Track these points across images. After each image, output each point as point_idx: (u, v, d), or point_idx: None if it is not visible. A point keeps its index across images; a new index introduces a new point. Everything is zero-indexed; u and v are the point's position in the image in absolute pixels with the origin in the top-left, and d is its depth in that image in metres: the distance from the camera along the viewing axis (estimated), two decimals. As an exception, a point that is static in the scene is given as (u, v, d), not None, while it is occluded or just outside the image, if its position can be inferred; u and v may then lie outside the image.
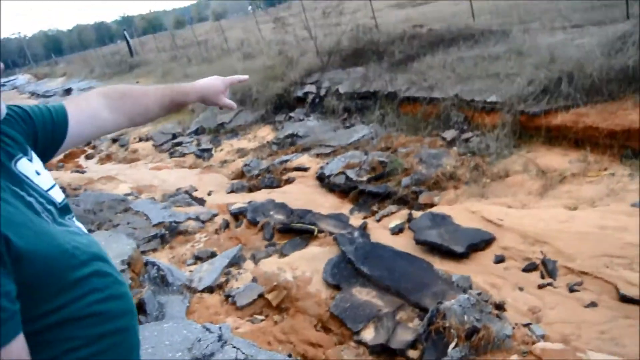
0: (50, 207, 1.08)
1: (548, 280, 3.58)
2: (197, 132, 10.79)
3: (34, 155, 1.15)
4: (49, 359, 0.99)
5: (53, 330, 0.99)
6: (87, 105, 1.35)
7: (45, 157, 1.21)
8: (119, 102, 1.40)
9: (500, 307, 3.43)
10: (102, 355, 1.08)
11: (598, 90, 5.66)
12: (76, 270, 1.02)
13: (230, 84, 1.57)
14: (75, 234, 1.10)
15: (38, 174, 1.12)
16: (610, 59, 5.83)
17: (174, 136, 11.02)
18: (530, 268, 3.76)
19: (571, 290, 3.40)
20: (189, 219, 5.79)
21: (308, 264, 4.43)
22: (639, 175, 4.61)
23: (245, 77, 1.69)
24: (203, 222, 5.80)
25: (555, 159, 5.45)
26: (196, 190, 7.12)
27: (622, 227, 3.74)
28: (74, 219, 1.18)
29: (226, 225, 5.73)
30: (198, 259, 5.03)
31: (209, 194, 7.01)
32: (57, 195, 1.14)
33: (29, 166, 1.11)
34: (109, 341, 1.10)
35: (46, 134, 1.23)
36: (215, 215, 5.94)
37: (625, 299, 3.13)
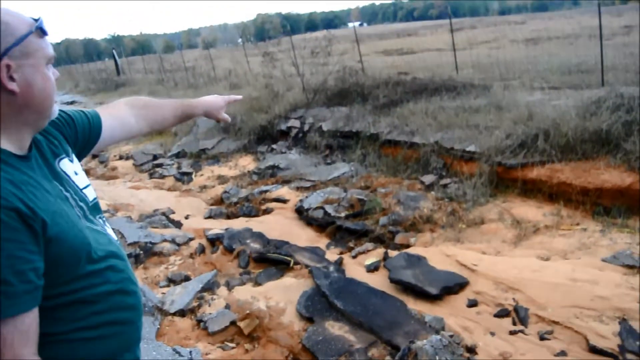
0: (82, 204, 1.23)
1: (519, 327, 3.64)
2: (178, 155, 10.75)
3: (74, 157, 1.32)
4: (57, 333, 1.09)
5: (65, 309, 1.10)
6: (117, 112, 1.56)
7: (80, 157, 1.39)
8: (143, 111, 1.62)
9: (471, 350, 3.47)
10: (105, 340, 1.18)
11: (572, 149, 5.89)
12: (93, 263, 1.15)
13: (229, 102, 1.86)
14: (98, 233, 1.23)
15: (76, 174, 1.28)
16: (585, 121, 6.08)
17: (155, 157, 10.95)
18: (502, 314, 3.82)
19: (542, 338, 3.46)
20: (165, 240, 5.73)
21: (282, 295, 4.42)
22: (609, 232, 4.78)
23: (240, 97, 2.00)
24: (179, 245, 5.74)
25: (529, 210, 5.61)
26: (173, 212, 7.05)
27: (593, 280, 3.85)
28: (103, 218, 1.33)
29: (202, 249, 5.68)
30: (171, 281, 4.97)
31: (187, 217, 6.96)
32: (90, 194, 1.30)
33: (70, 166, 1.27)
34: (113, 329, 1.20)
35: (84, 137, 1.43)
36: (191, 239, 5.88)
37: (594, 350, 3.20)
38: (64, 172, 1.23)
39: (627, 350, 3.12)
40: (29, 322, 0.98)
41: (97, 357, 1.17)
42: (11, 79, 1.03)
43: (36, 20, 1.10)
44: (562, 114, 6.42)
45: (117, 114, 1.55)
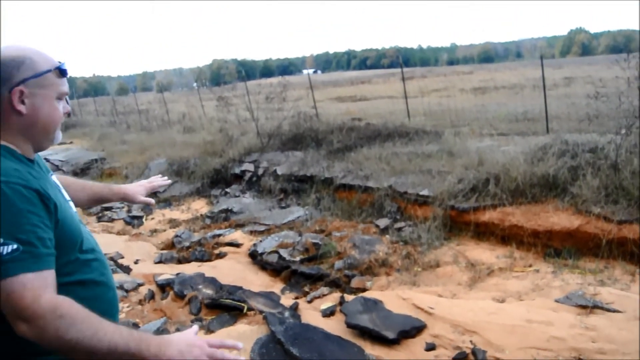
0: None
1: (478, 369, 3.60)
2: (128, 198, 10.45)
3: None
4: None
5: (59, 291, 1.23)
6: None
7: None
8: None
9: (431, 395, 3.40)
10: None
11: (522, 193, 6.05)
12: (83, 253, 1.41)
13: (151, 189, 2.01)
14: (87, 231, 1.53)
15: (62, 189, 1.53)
16: (533, 166, 6.29)
17: (104, 201, 10.61)
18: (460, 357, 3.77)
19: (500, 380, 3.43)
20: (111, 286, 5.47)
21: (235, 342, 4.25)
22: (561, 273, 4.86)
23: (168, 182, 2.13)
24: (127, 291, 5.48)
25: (483, 253, 5.67)
26: (122, 257, 6.77)
27: (548, 321, 3.87)
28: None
29: (151, 296, 5.44)
30: (117, 330, 4.71)
31: (136, 262, 6.69)
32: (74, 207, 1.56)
33: (58, 182, 1.54)
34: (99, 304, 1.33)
35: None
36: (140, 284, 5.64)
37: (552, 391, 3.19)
38: (56, 183, 1.49)
39: (584, 392, 3.12)
40: (50, 277, 1.21)
41: None
42: (22, 102, 1.30)
43: (60, 62, 1.39)
44: (511, 160, 6.62)
45: None
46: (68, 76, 1.42)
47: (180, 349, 1.22)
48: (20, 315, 1.13)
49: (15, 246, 1.14)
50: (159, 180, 2.06)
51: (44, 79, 1.33)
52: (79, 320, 1.17)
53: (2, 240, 1.14)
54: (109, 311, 1.40)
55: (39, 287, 1.16)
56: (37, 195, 1.22)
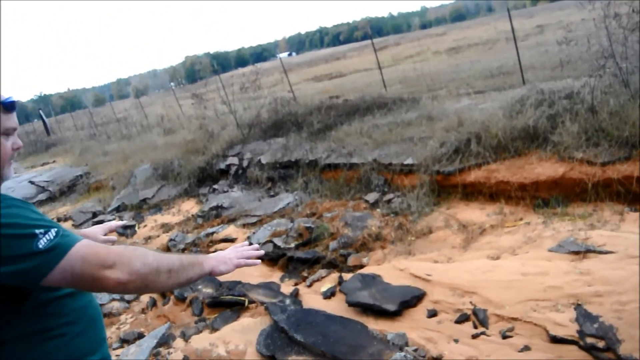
0: None
1: (481, 329, 3.63)
2: (118, 209, 10.37)
3: None
4: (50, 328, 1.31)
5: (55, 303, 1.32)
6: None
7: None
8: None
9: (437, 360, 3.44)
10: (87, 333, 1.41)
11: (504, 148, 6.06)
12: None
13: (109, 229, 2.02)
14: None
15: None
16: (512, 120, 6.29)
17: (95, 214, 10.50)
18: (462, 319, 3.81)
19: (504, 336, 3.46)
20: (113, 299, 5.48)
21: (241, 337, 4.28)
22: (551, 222, 4.90)
23: (122, 222, 2.26)
24: (128, 302, 5.50)
25: (473, 213, 5.70)
26: (119, 269, 6.76)
27: (543, 271, 3.91)
28: None
29: (153, 303, 5.46)
30: (125, 341, 4.73)
31: (133, 272, 6.68)
32: None
33: None
34: (91, 324, 1.44)
35: None
36: (140, 293, 5.64)
37: (556, 340, 3.22)
38: None
39: (586, 335, 3.16)
40: (90, 244, 1.26)
41: (83, 350, 1.38)
42: None
43: (4, 98, 1.32)
44: (490, 116, 6.62)
45: None
46: (15, 110, 1.37)
47: (214, 263, 1.53)
48: (105, 264, 1.21)
49: (54, 229, 1.22)
50: (116, 222, 2.10)
51: None
52: (144, 250, 1.33)
53: (42, 230, 1.19)
54: (97, 316, 1.49)
55: (97, 245, 1.27)
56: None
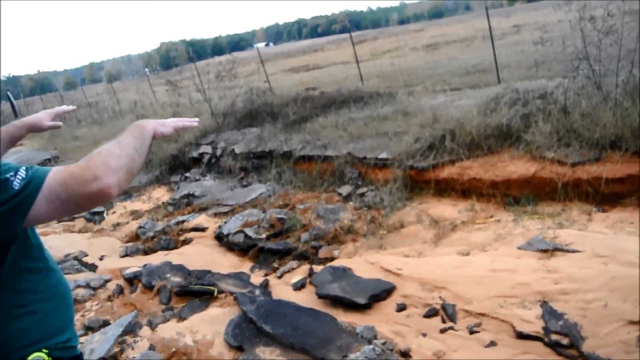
0: None
1: (449, 324, 3.66)
2: (85, 195, 10.17)
3: None
4: (24, 304, 1.35)
5: (28, 277, 1.37)
6: None
7: None
8: None
9: (405, 354, 3.45)
10: (59, 310, 1.46)
11: (478, 145, 6.10)
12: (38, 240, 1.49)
13: (55, 114, 2.01)
14: None
15: None
16: (487, 118, 6.34)
17: (60, 200, 10.30)
18: (431, 314, 3.83)
19: (471, 332, 3.50)
20: (78, 286, 5.34)
21: (208, 327, 4.23)
22: (521, 220, 4.95)
23: (73, 107, 2.18)
24: (94, 289, 5.37)
25: (445, 209, 5.73)
26: (87, 255, 6.61)
27: (512, 269, 3.95)
28: None
29: (120, 291, 5.35)
30: (89, 329, 4.61)
31: (101, 258, 6.55)
32: None
33: None
34: (63, 301, 1.49)
35: None
36: (107, 281, 5.53)
37: (521, 336, 3.27)
38: None
39: (551, 331, 3.21)
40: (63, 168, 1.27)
41: (56, 328, 1.42)
42: None
43: None
44: (465, 114, 6.66)
45: None
46: None
47: (154, 125, 1.56)
48: (87, 180, 1.23)
49: (23, 169, 1.23)
50: (64, 107, 2.08)
51: None
52: (105, 148, 1.34)
53: (12, 173, 1.20)
54: (67, 295, 1.54)
55: (67, 167, 1.27)
56: None
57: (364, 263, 4.80)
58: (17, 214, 1.19)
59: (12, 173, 1.20)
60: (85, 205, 1.28)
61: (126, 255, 6.75)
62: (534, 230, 4.65)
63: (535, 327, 3.30)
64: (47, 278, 1.44)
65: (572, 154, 5.28)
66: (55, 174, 1.23)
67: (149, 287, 5.31)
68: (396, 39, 26.88)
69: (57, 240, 7.67)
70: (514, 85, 7.08)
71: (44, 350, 1.36)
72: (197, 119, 1.76)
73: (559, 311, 3.36)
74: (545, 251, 4.15)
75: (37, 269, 1.41)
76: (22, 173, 1.21)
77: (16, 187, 1.18)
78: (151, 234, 7.24)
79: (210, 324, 4.27)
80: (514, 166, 5.61)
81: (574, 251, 4.04)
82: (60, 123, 2.06)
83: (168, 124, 1.62)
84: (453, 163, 6.09)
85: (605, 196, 4.94)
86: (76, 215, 9.08)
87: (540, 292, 3.60)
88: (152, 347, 4.07)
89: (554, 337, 3.18)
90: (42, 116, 1.98)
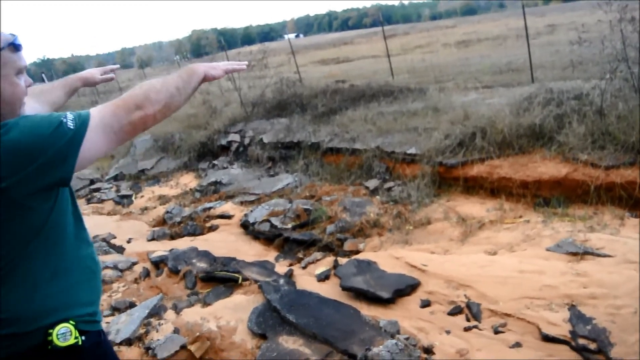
0: None
1: (473, 322, 3.63)
2: (116, 177, 10.35)
3: None
4: (56, 270, 1.42)
5: (62, 243, 1.44)
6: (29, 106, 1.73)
7: None
8: (42, 97, 1.91)
9: (428, 350, 3.43)
10: (86, 283, 1.52)
11: (509, 145, 6.03)
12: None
13: (104, 71, 2.20)
14: None
15: None
16: (519, 117, 6.26)
17: (92, 182, 10.48)
18: (455, 311, 3.81)
19: (496, 332, 3.47)
20: (106, 267, 5.45)
21: (232, 313, 4.26)
22: (551, 222, 4.89)
23: (118, 65, 2.37)
24: (121, 270, 5.48)
25: (473, 207, 5.68)
26: (115, 237, 6.75)
27: (539, 270, 3.90)
28: None
29: (146, 274, 5.44)
30: (116, 309, 4.70)
31: (129, 241, 6.67)
32: None
33: None
34: (92, 276, 1.56)
35: None
36: (134, 263, 5.63)
37: (547, 339, 3.23)
38: None
39: (579, 336, 3.16)
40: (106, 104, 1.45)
41: (84, 299, 1.48)
42: None
43: (13, 36, 1.37)
44: (497, 112, 6.58)
45: (31, 108, 1.70)
46: (22, 49, 1.42)
47: (205, 68, 1.69)
48: (132, 109, 1.41)
49: (69, 112, 1.36)
50: (111, 66, 2.26)
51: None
52: (148, 83, 1.51)
53: (62, 116, 1.33)
54: (98, 271, 1.60)
55: (111, 101, 1.44)
56: None
57: (389, 257, 4.79)
58: (72, 149, 1.30)
59: (62, 116, 1.32)
60: (132, 132, 1.44)
61: (153, 239, 6.86)
62: (564, 233, 4.58)
63: (562, 330, 3.25)
64: (80, 249, 1.51)
65: (606, 157, 5.18)
66: (102, 109, 1.39)
67: (174, 272, 5.39)
68: (427, 35, 26.64)
69: (86, 222, 7.82)
70: (548, 85, 6.97)
71: (71, 322, 1.41)
72: (246, 62, 1.87)
73: (587, 315, 3.30)
74: (574, 254, 4.09)
75: (73, 236, 1.48)
76: (70, 115, 1.33)
77: (72, 127, 1.31)
78: (178, 219, 7.33)
79: (234, 310, 4.31)
80: (545, 167, 5.53)
81: (604, 255, 3.97)
82: (113, 75, 2.24)
83: (219, 67, 1.74)
84: (483, 161, 6.03)
85: (638, 201, 4.84)
86: (105, 198, 9.26)
87: (568, 295, 3.55)
88: (176, 331, 4.13)
89: (581, 341, 3.13)
90: (94, 71, 2.16)
